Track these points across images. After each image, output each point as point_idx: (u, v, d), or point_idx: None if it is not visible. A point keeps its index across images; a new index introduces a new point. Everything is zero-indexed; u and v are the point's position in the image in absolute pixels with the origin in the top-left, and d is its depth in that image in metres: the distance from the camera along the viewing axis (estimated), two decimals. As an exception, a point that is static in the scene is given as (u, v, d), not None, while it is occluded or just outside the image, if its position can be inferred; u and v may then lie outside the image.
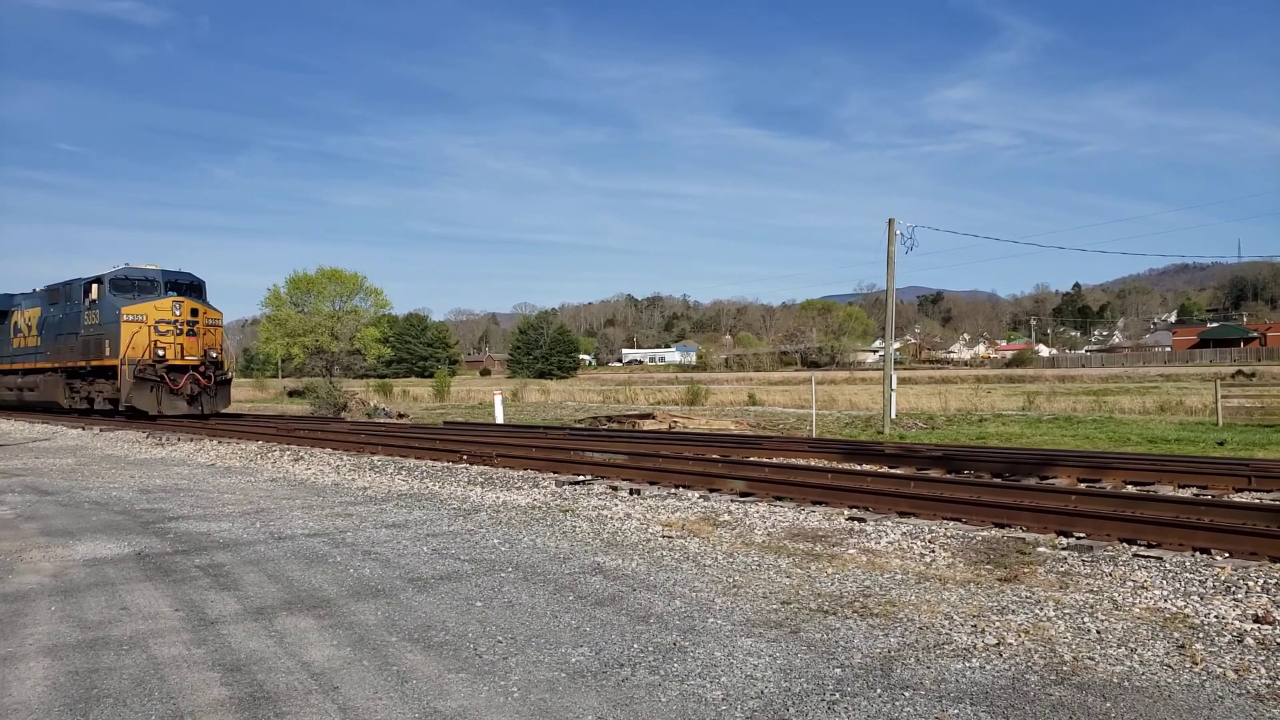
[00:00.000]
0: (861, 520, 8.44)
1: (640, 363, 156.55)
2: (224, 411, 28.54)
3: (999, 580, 6.19)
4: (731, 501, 9.90)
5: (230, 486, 12.18)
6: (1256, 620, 5.13)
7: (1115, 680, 4.32)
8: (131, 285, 26.77)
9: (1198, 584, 5.91)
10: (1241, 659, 4.53)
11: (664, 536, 8.01)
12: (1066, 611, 5.39)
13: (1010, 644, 4.84)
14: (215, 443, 18.38)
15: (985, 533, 7.77)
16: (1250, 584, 5.82)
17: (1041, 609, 5.45)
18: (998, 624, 5.17)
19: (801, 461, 14.10)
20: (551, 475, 12.42)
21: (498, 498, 10.60)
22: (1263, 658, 4.55)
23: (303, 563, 7.16)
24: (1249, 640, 4.81)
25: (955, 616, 5.36)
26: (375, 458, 15.07)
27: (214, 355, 26.99)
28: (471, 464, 14.03)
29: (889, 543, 7.46)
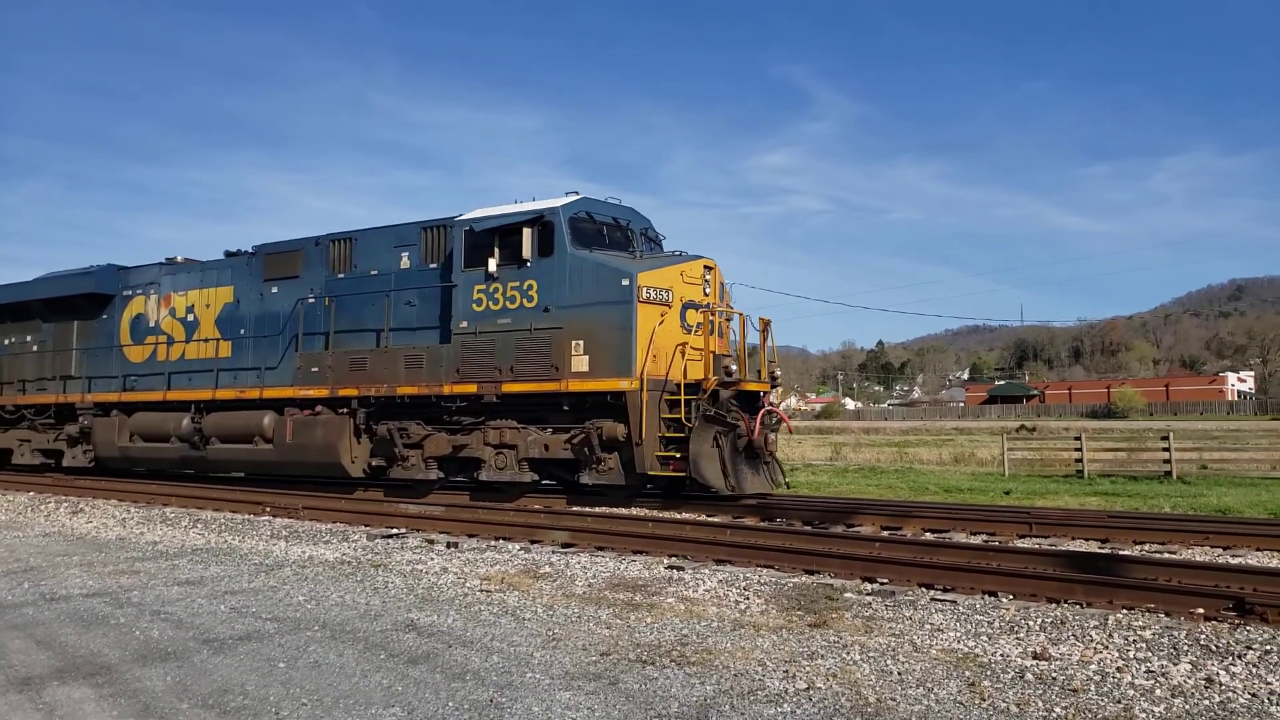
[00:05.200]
0: (680, 569, 8.55)
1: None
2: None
3: (809, 626, 6.41)
4: (553, 553, 9.80)
5: (-3, 542, 10.97)
6: (1035, 657, 5.56)
7: (915, 719, 4.53)
8: (600, 235, 14.08)
9: (986, 625, 6.33)
10: (1022, 693, 4.87)
11: (482, 590, 7.83)
12: (871, 655, 5.63)
13: (819, 688, 5.00)
14: (-19, 494, 16.57)
15: (797, 579, 8.04)
16: (1030, 623, 6.30)
17: (848, 653, 5.67)
18: (808, 669, 5.34)
19: (624, 511, 14.16)
20: (363, 528, 11.91)
21: (304, 552, 10.06)
22: (1040, 691, 4.91)
23: (79, 626, 6.52)
24: (1029, 676, 5.19)
25: (768, 663, 5.49)
26: (168, 509, 14.00)
27: (776, 372, 14.89)
28: (275, 516, 13.26)
29: (706, 590, 7.58)
